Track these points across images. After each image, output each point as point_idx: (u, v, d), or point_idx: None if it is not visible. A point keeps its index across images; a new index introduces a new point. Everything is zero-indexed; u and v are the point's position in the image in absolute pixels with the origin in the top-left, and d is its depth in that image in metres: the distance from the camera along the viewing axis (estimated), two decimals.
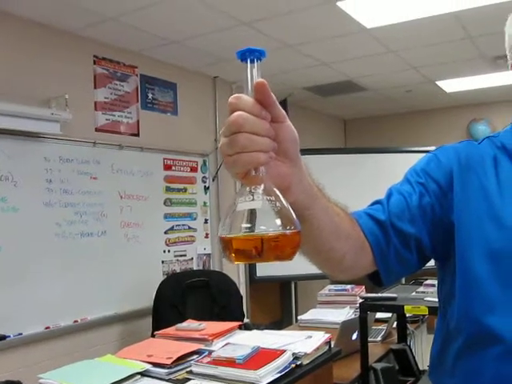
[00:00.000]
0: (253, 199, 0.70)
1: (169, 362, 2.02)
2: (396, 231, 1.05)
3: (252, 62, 0.71)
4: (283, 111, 0.76)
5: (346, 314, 3.53)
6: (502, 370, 0.96)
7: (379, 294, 2.73)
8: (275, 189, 0.71)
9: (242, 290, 5.25)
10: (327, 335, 2.38)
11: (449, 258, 1.07)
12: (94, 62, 4.06)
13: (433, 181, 1.09)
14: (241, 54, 0.71)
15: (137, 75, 4.41)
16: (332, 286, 3.98)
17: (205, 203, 5.00)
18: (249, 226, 0.68)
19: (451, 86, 5.89)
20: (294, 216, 0.70)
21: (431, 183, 1.09)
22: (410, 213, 1.06)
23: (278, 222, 0.68)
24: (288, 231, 0.68)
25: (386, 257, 1.05)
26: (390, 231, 1.05)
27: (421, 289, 2.82)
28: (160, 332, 2.48)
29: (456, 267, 1.04)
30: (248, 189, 0.71)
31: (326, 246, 0.95)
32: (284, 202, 0.71)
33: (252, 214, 0.69)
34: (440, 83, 5.79)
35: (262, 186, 0.71)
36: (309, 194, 0.85)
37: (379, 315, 3.44)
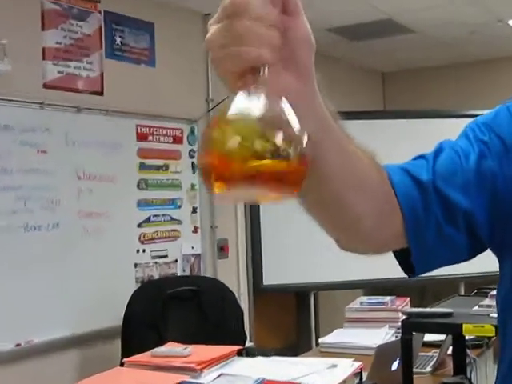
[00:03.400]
0: (253, 106, 0.71)
1: None
2: (440, 198, 1.05)
3: None
4: (297, 1, 0.79)
5: (383, 335, 3.53)
6: None
7: (429, 309, 2.72)
8: (283, 98, 0.73)
9: (244, 303, 5.27)
10: (358, 364, 2.40)
11: (511, 247, 1.07)
12: None
13: (500, 140, 1.08)
14: None
15: (100, 12, 4.39)
16: (365, 298, 3.99)
17: (193, 186, 4.99)
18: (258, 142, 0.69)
19: None
20: (306, 137, 0.72)
21: (497, 142, 1.08)
22: (463, 177, 1.06)
23: (283, 137, 0.70)
24: (297, 153, 0.70)
25: (421, 229, 1.05)
26: (431, 196, 1.05)
27: (486, 301, 2.82)
28: (131, 359, 2.50)
29: None
30: (244, 93, 0.72)
31: (337, 198, 0.96)
32: (294, 116, 0.72)
33: (254, 126, 0.70)
34: None
35: (264, 93, 0.72)
36: (321, 123, 0.87)
37: (429, 337, 3.43)
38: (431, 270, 1.10)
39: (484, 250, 1.11)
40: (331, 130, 0.90)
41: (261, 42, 0.72)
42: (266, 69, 0.73)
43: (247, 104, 0.71)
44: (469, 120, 1.15)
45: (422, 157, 1.11)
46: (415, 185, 1.05)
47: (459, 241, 1.07)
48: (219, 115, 0.73)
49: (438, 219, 1.05)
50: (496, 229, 1.07)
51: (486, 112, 1.15)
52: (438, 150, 1.10)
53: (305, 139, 0.72)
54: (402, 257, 1.08)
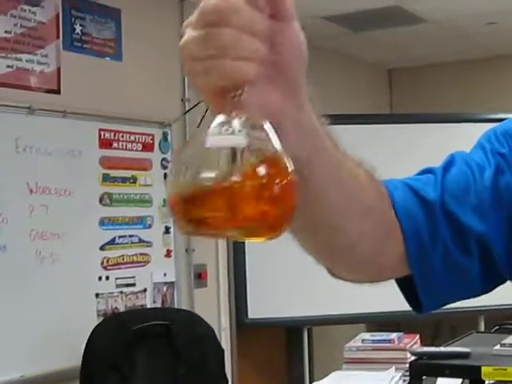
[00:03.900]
0: (233, 132, 0.71)
1: None
2: (449, 220, 1.05)
3: None
4: (290, 4, 0.78)
5: (389, 379, 3.52)
6: None
7: (442, 348, 2.72)
8: (266, 121, 0.73)
9: (225, 341, 5.28)
10: None
11: None
12: None
13: None
14: None
15: None
16: (367, 335, 3.99)
17: (165, 202, 4.96)
18: (231, 173, 0.70)
19: None
20: (291, 166, 0.73)
21: None
22: (476, 196, 1.06)
23: (267, 170, 0.71)
24: (281, 183, 0.71)
25: (427, 256, 1.05)
26: (439, 218, 1.05)
27: (509, 340, 2.82)
28: None
29: None
30: (223, 117, 0.72)
31: (329, 222, 0.97)
32: (278, 142, 0.73)
33: (232, 155, 0.71)
34: None
35: (245, 116, 0.72)
36: (311, 142, 0.88)
37: (442, 382, 3.43)
38: (440, 305, 1.10)
39: (502, 281, 1.11)
40: (323, 148, 0.90)
41: (245, 56, 0.72)
42: (249, 87, 0.73)
43: (224, 131, 0.71)
44: (490, 125, 1.16)
45: (429, 171, 1.11)
46: (420, 203, 1.05)
47: (472, 270, 1.07)
48: (190, 140, 0.74)
49: (447, 244, 1.05)
50: None
51: (510, 116, 1.16)
52: (449, 164, 1.10)
53: (291, 174, 0.72)
54: (408, 289, 1.08)
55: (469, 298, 1.11)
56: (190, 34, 0.73)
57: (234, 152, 0.70)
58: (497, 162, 1.08)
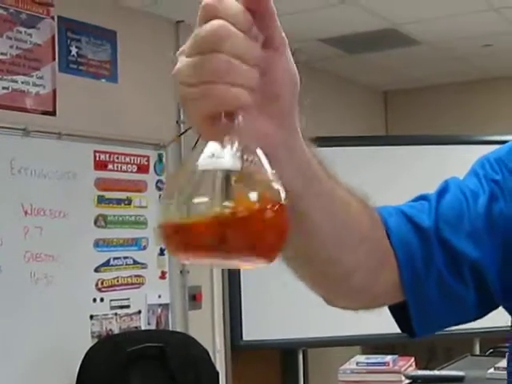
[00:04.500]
0: (225, 157, 0.72)
1: None
2: (444, 247, 1.06)
3: None
4: (282, 34, 0.78)
5: None
6: None
7: (437, 372, 2.71)
8: (259, 149, 0.74)
9: (220, 363, 5.26)
10: None
11: None
12: None
13: None
14: None
15: (53, 18, 4.40)
16: (362, 358, 3.98)
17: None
18: (223, 198, 0.70)
19: None
20: (283, 191, 0.73)
21: (511, 181, 1.09)
22: (470, 223, 1.07)
23: (260, 196, 0.71)
24: (274, 209, 0.71)
25: (421, 282, 1.05)
26: (433, 245, 1.05)
27: (503, 363, 2.81)
28: None
29: None
30: (216, 143, 0.73)
31: (323, 253, 0.97)
32: (270, 170, 0.73)
33: (225, 179, 0.71)
34: None
35: (237, 142, 0.73)
36: (303, 173, 0.88)
37: None
38: (433, 331, 1.11)
39: (495, 307, 1.11)
40: (316, 178, 0.90)
41: (240, 82, 0.72)
42: (242, 114, 0.73)
43: (217, 156, 0.72)
44: (486, 147, 1.16)
45: (423, 198, 1.12)
46: (414, 230, 1.06)
47: (466, 297, 1.07)
48: (183, 165, 0.75)
49: (441, 271, 1.05)
50: (509, 282, 1.07)
51: (507, 138, 1.16)
52: (443, 190, 1.11)
53: (284, 200, 0.72)
54: (399, 314, 1.08)
55: (462, 323, 1.12)
56: (183, 60, 0.74)
57: (226, 176, 0.70)
58: (491, 189, 1.09)
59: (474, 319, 1.11)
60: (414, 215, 1.07)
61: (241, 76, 0.72)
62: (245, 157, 0.72)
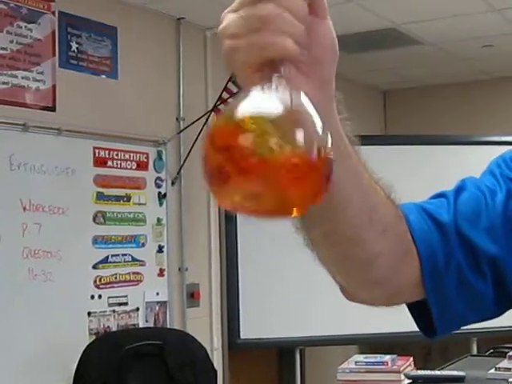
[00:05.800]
0: (275, 98, 0.72)
1: None
2: (463, 242, 1.06)
3: None
4: (325, 2, 0.80)
5: None
6: None
7: (437, 372, 2.71)
8: (307, 98, 0.74)
9: (217, 361, 5.24)
10: None
11: None
12: None
13: None
14: None
15: (53, 13, 4.39)
16: (361, 357, 3.97)
17: (159, 221, 4.98)
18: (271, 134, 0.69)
19: None
20: (330, 139, 0.74)
21: None
22: (488, 219, 1.08)
23: (307, 138, 0.71)
24: (320, 153, 0.72)
25: (441, 276, 1.06)
26: (453, 240, 1.06)
27: (504, 364, 2.81)
28: None
29: None
30: (260, 88, 0.73)
31: (351, 231, 0.97)
32: (318, 116, 0.73)
33: (272, 118, 0.71)
34: None
35: (285, 88, 0.73)
36: (336, 143, 0.86)
37: None
38: (453, 329, 1.10)
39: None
40: (347, 153, 0.91)
41: (288, 30, 0.72)
42: (289, 65, 0.74)
43: (265, 99, 0.72)
44: (485, 147, 1.17)
45: (441, 195, 1.12)
46: (435, 226, 1.06)
47: (485, 293, 1.07)
48: (229, 108, 0.73)
49: (461, 267, 1.06)
50: None
51: (507, 138, 1.17)
52: (460, 188, 1.12)
53: (329, 141, 0.74)
54: (419, 314, 1.09)
55: (480, 321, 1.12)
56: (230, 16, 0.74)
57: (272, 121, 0.70)
58: (508, 188, 1.10)
59: (492, 317, 1.11)
60: (433, 211, 1.07)
61: (289, 25, 0.73)
62: (293, 101, 0.72)
